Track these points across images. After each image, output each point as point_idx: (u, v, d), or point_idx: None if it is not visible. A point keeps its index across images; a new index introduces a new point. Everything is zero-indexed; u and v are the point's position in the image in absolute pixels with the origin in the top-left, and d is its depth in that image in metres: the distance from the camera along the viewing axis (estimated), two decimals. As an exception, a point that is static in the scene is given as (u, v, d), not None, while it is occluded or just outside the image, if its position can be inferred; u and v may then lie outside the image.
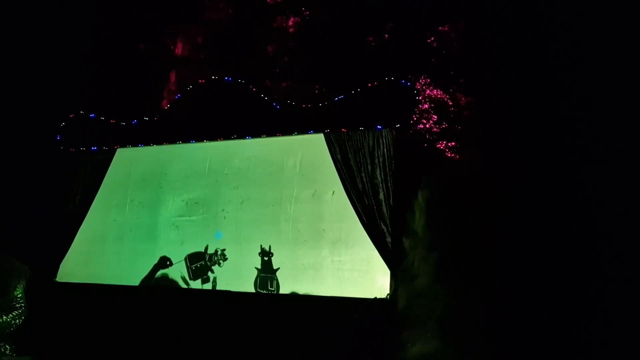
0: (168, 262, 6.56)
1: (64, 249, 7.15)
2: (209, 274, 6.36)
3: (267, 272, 6.08)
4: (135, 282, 6.68)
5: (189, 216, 6.64)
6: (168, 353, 5.87)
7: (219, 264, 6.32)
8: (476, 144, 5.57)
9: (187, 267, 6.49)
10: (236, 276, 6.22)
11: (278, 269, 6.04)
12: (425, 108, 5.93)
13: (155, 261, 6.66)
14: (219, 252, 6.34)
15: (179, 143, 6.92)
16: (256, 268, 6.13)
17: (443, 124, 5.85)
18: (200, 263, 6.41)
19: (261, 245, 6.15)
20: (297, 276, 5.92)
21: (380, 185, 5.67)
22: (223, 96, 6.60)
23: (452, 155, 5.66)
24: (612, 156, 4.37)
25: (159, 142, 7.03)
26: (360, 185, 5.75)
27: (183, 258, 6.51)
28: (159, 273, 6.62)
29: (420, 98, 5.92)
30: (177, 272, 6.52)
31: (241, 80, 6.55)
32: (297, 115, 6.23)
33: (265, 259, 6.11)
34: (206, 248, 6.41)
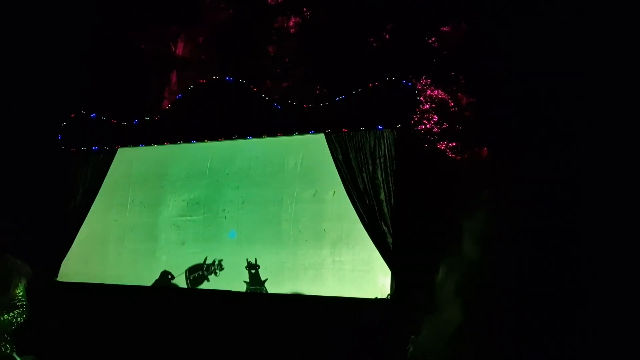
0: (169, 276, 6.57)
1: (65, 249, 7.14)
2: (205, 282, 6.39)
3: (255, 284, 6.10)
4: (136, 281, 6.67)
5: (190, 216, 6.64)
6: (168, 353, 5.88)
7: (216, 274, 6.33)
8: (476, 143, 5.59)
9: (186, 278, 6.49)
10: (236, 276, 6.22)
11: (266, 279, 6.06)
12: (426, 108, 5.94)
13: (156, 261, 6.66)
14: (217, 262, 6.35)
15: (180, 143, 6.91)
16: (245, 282, 6.15)
17: (444, 124, 5.86)
18: (198, 273, 6.43)
19: (247, 259, 6.17)
20: (298, 276, 5.92)
21: (382, 185, 5.65)
22: (224, 96, 6.59)
23: (453, 155, 5.67)
24: (612, 156, 4.38)
25: (160, 142, 7.01)
26: (361, 186, 5.74)
27: (184, 270, 6.50)
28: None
29: (421, 98, 5.92)
30: (177, 278, 6.55)
31: (242, 80, 6.55)
32: (298, 116, 6.22)
33: (253, 271, 6.12)
34: (205, 259, 6.43)
